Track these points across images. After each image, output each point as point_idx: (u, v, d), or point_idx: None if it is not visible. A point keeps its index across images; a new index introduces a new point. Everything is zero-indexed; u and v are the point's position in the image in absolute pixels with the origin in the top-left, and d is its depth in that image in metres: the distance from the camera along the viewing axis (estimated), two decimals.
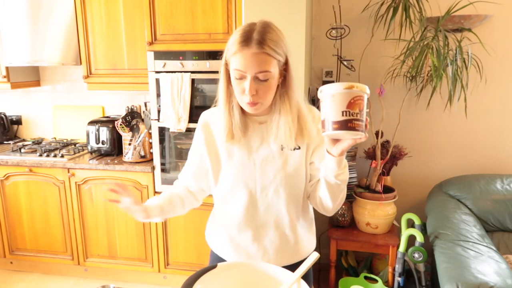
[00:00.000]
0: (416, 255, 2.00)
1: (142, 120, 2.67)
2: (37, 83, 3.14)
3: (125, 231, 2.67)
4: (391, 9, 2.30)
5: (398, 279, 2.14)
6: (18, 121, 3.28)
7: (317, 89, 2.48)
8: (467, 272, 1.60)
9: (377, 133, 2.43)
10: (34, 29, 2.69)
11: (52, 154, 2.71)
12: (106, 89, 2.82)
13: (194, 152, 1.27)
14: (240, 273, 1.03)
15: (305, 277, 1.03)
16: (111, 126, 2.74)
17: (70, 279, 2.83)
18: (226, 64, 1.12)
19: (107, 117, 2.95)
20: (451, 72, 2.14)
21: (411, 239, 2.13)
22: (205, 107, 2.42)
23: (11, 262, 2.94)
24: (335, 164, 1.01)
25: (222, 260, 1.27)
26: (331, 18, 2.54)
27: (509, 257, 2.05)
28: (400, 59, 2.34)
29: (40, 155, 2.71)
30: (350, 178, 2.37)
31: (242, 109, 1.16)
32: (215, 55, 2.31)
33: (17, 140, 3.16)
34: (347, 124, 0.88)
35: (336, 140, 0.96)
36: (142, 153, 2.65)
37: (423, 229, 2.24)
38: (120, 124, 2.61)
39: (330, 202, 1.12)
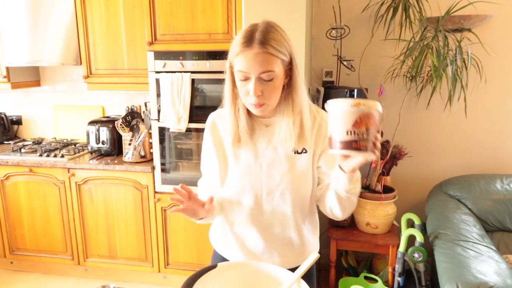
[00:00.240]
0: (416, 255, 2.00)
1: (142, 120, 2.67)
2: (37, 83, 3.14)
3: (125, 231, 2.67)
4: (391, 9, 2.30)
5: (398, 279, 2.14)
6: (18, 121, 3.28)
7: (317, 89, 2.49)
8: (467, 272, 1.60)
9: None
10: (34, 29, 2.69)
11: (52, 154, 2.71)
12: (106, 89, 2.82)
13: (206, 156, 1.25)
14: (240, 273, 1.03)
15: (308, 278, 1.03)
16: (111, 126, 2.74)
17: (70, 279, 2.83)
18: (231, 67, 1.10)
19: (107, 117, 2.95)
20: (451, 72, 2.14)
21: (411, 239, 2.12)
22: (205, 107, 2.45)
23: (11, 262, 2.94)
24: (346, 180, 0.99)
25: (226, 260, 1.27)
26: (331, 18, 2.54)
27: (509, 257, 2.05)
28: (400, 59, 2.34)
29: (40, 155, 2.71)
30: None
31: (248, 112, 1.14)
32: (215, 55, 2.31)
33: (17, 140, 3.16)
34: (351, 145, 0.85)
35: (347, 156, 0.93)
36: (142, 153, 2.65)
37: (423, 229, 2.24)
38: (120, 124, 2.61)
39: (340, 212, 1.11)
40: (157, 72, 2.40)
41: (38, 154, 2.73)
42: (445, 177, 2.59)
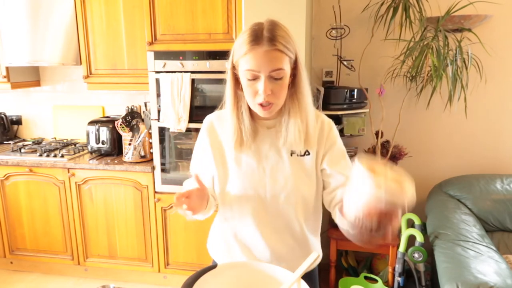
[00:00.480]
0: (416, 255, 2.00)
1: (142, 120, 2.67)
2: (37, 83, 3.14)
3: (125, 231, 2.67)
4: (391, 9, 2.30)
5: (398, 279, 2.14)
6: (18, 121, 3.28)
7: (317, 89, 2.48)
8: (467, 272, 1.60)
9: (377, 133, 2.43)
10: (34, 29, 2.69)
11: (52, 154, 2.71)
12: (106, 89, 2.82)
13: (199, 158, 1.21)
14: (240, 273, 1.03)
15: (309, 279, 1.02)
16: (111, 126, 2.74)
17: (70, 279, 2.83)
18: (234, 68, 1.08)
19: (107, 117, 2.95)
20: (451, 72, 2.14)
21: (411, 239, 2.12)
22: (205, 107, 2.45)
23: (11, 262, 2.94)
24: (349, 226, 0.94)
25: None
26: (331, 18, 2.54)
27: (509, 257, 2.05)
28: (400, 59, 2.34)
29: (40, 155, 2.71)
30: None
31: (251, 114, 1.12)
32: (215, 55, 2.31)
33: (17, 140, 3.16)
34: (354, 232, 0.80)
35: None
36: (142, 153, 2.65)
37: (423, 229, 2.24)
38: (120, 124, 2.61)
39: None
40: (157, 72, 2.40)
41: (38, 154, 2.73)
42: (445, 177, 2.59)
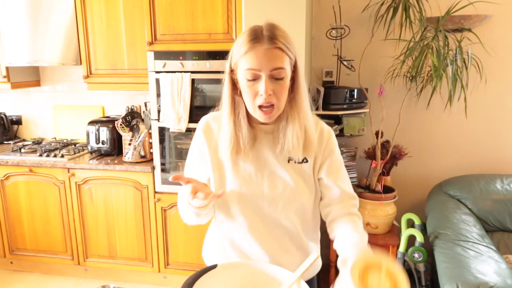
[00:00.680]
0: (416, 255, 2.00)
1: (142, 120, 2.67)
2: (37, 83, 3.14)
3: (125, 231, 2.67)
4: (391, 9, 2.29)
5: None
6: (18, 121, 3.28)
7: (317, 89, 2.48)
8: (467, 272, 1.60)
9: (377, 133, 2.43)
10: (34, 29, 2.69)
11: (52, 154, 2.71)
12: (106, 89, 2.82)
13: (194, 161, 1.16)
14: (240, 273, 1.03)
15: (309, 282, 1.02)
16: (111, 126, 2.74)
17: (70, 279, 2.83)
18: (231, 72, 1.05)
19: (107, 117, 2.95)
20: (451, 72, 2.14)
21: (411, 239, 2.12)
22: (205, 107, 2.45)
23: (11, 262, 2.94)
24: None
25: None
26: (331, 18, 2.54)
27: (509, 257, 2.05)
28: (400, 59, 2.34)
29: (40, 155, 2.71)
30: (350, 178, 2.37)
31: (249, 120, 1.08)
32: (215, 55, 2.31)
33: (17, 140, 3.16)
34: None
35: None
36: (142, 153, 2.65)
37: (423, 229, 2.24)
38: (120, 124, 2.61)
39: None
40: (157, 72, 2.40)
41: (38, 154, 2.73)
42: (445, 177, 2.59)
